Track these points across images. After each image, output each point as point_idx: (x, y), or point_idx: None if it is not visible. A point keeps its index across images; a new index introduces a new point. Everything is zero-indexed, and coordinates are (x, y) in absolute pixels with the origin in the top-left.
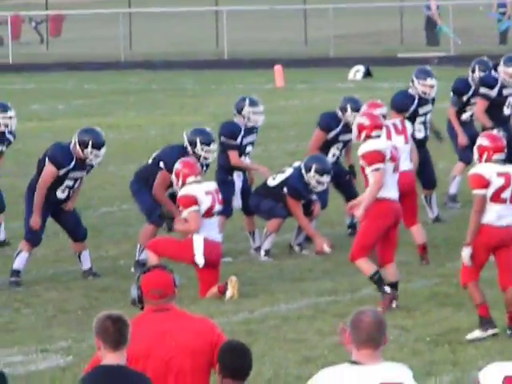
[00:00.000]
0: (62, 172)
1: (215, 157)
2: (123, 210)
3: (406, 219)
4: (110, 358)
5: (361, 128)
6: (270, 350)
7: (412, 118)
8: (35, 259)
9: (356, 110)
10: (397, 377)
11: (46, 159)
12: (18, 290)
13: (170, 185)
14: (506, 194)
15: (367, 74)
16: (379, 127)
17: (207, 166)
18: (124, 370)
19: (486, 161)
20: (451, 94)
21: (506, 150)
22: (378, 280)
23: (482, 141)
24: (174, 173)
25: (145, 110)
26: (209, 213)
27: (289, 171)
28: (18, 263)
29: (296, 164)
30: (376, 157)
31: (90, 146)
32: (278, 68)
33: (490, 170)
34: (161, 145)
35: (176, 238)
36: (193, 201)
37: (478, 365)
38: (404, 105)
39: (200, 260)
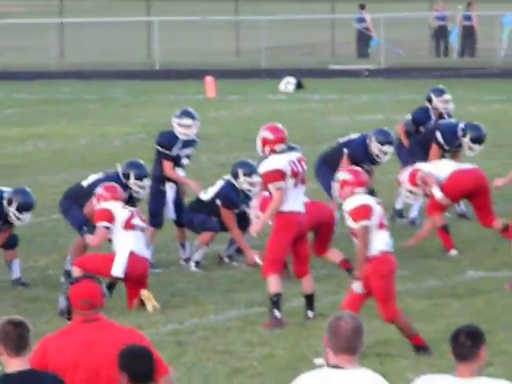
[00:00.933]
0: None
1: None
2: (52, 220)
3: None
4: (13, 365)
5: (264, 142)
6: (199, 361)
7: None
8: None
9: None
10: (379, 382)
11: None
12: None
13: None
14: (384, 220)
15: (298, 85)
16: (282, 141)
17: (138, 200)
18: (34, 373)
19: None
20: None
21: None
22: (274, 302)
23: (343, 176)
24: (95, 197)
25: (75, 120)
26: (128, 225)
27: (219, 183)
28: None
29: (226, 176)
30: (276, 176)
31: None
32: (209, 79)
33: (370, 199)
34: (90, 155)
35: (104, 254)
36: (106, 216)
37: (407, 377)
38: (423, 119)
39: (116, 272)
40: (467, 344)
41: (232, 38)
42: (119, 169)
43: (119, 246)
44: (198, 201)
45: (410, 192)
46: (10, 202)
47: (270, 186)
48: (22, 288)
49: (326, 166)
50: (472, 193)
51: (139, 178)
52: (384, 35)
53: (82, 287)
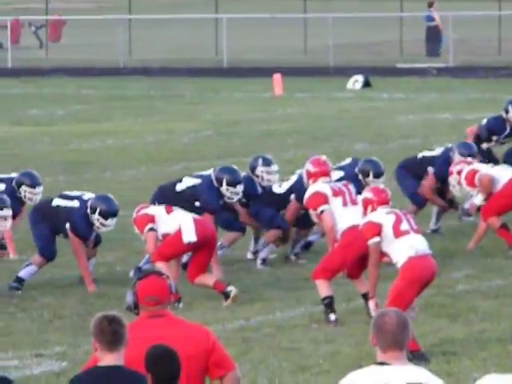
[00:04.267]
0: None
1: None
2: (119, 217)
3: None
4: (108, 359)
5: (308, 175)
6: (264, 357)
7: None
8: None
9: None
10: (426, 378)
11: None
12: (14, 295)
13: None
14: (404, 226)
15: (366, 83)
16: (325, 174)
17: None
18: (120, 370)
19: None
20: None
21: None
22: (327, 305)
23: (366, 193)
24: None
25: (143, 117)
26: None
27: (294, 178)
28: (25, 273)
29: (299, 171)
30: (318, 199)
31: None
32: (277, 76)
33: (377, 214)
34: (157, 151)
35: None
36: (147, 219)
37: (473, 376)
38: (498, 129)
39: (187, 237)
40: None
41: (300, 35)
42: (212, 173)
43: (177, 220)
44: (270, 193)
45: (459, 184)
46: (93, 210)
47: (316, 211)
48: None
49: (409, 173)
50: None
51: (232, 184)
52: (452, 34)
53: (148, 283)
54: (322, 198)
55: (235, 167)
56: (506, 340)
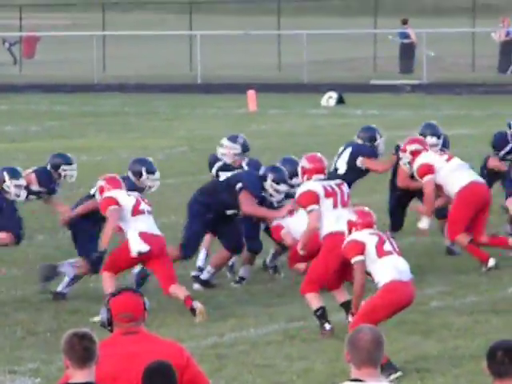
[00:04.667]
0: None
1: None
2: None
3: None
4: (78, 376)
5: (303, 171)
6: (239, 374)
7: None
8: (4, 279)
9: None
10: None
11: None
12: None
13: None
14: (387, 247)
15: (340, 100)
16: (320, 171)
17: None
18: None
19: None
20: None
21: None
22: (319, 316)
23: (351, 216)
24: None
25: (117, 133)
26: (136, 211)
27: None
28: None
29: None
30: (309, 198)
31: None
32: (251, 93)
33: (360, 234)
34: None
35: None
36: (113, 202)
37: None
38: (502, 143)
39: (135, 249)
40: (505, 361)
41: (274, 52)
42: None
43: (129, 230)
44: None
45: (410, 165)
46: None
47: (305, 209)
48: (62, 300)
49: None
50: None
51: (277, 181)
52: (426, 50)
53: (122, 300)
54: (313, 197)
55: (281, 166)
56: (479, 357)
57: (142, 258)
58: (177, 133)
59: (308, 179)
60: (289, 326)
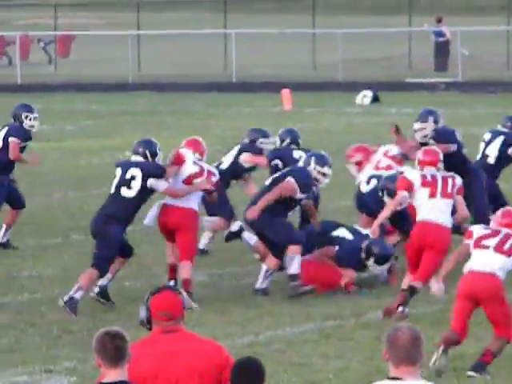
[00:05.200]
0: None
1: None
2: (130, 232)
3: None
4: (112, 375)
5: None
6: (274, 373)
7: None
8: (41, 279)
9: None
10: None
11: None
12: (23, 311)
13: None
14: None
15: (375, 98)
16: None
17: None
18: None
19: None
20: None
21: None
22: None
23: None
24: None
25: (152, 132)
26: (188, 181)
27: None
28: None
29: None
30: (402, 184)
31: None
32: (285, 91)
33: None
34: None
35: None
36: (181, 158)
37: None
38: None
39: (145, 221)
40: None
41: (309, 50)
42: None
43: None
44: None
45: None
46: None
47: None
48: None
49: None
50: None
51: (321, 164)
52: (461, 49)
53: (162, 298)
54: (405, 184)
55: (323, 152)
56: None
57: (167, 228)
58: (211, 131)
59: (421, 170)
60: (325, 324)
